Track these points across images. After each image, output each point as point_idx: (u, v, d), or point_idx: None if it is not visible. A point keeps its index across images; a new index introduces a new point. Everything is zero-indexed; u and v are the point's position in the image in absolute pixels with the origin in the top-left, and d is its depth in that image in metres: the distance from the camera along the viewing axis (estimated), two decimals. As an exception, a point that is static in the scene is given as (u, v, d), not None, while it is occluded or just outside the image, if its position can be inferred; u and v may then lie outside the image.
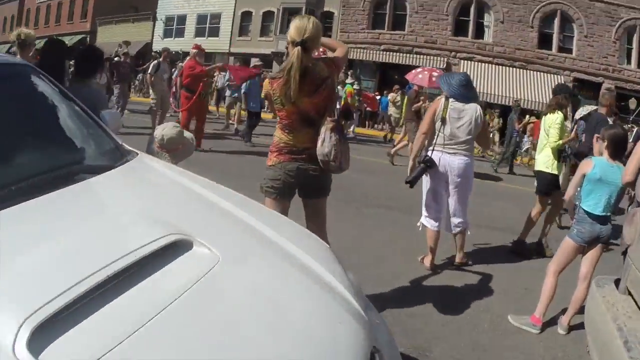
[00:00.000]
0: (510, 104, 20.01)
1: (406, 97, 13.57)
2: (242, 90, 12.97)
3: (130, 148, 2.55)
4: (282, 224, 2.19)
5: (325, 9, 30.49)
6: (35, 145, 2.18)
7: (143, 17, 39.30)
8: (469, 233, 5.02)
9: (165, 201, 2.06)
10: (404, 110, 13.73)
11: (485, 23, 27.56)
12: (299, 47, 2.93)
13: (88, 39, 42.23)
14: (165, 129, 3.44)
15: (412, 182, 4.70)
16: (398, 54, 27.77)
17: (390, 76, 28.55)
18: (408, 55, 27.47)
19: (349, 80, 17.21)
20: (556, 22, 26.57)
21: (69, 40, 41.31)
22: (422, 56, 27.21)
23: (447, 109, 4.66)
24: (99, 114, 2.92)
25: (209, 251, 1.57)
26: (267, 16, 32.72)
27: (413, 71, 14.63)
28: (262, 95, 3.53)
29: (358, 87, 18.28)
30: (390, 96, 17.68)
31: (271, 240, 1.89)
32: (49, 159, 2.15)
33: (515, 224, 6.35)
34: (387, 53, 28.07)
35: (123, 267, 1.35)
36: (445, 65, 26.21)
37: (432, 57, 26.91)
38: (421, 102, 11.41)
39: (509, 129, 14.41)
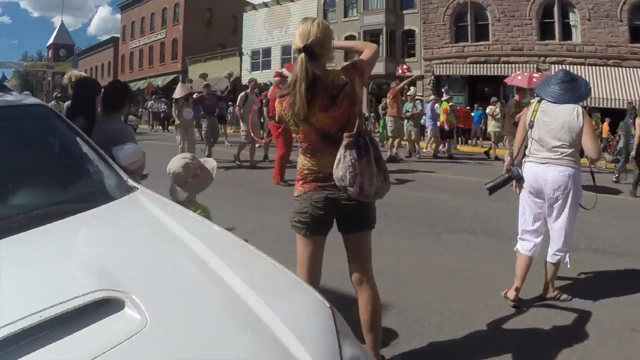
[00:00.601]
0: (609, 105, 19.52)
1: (505, 108, 13.04)
2: None
3: (134, 184, 2.54)
4: (267, 278, 1.86)
5: (406, 27, 31.03)
6: (22, 185, 2.26)
7: (230, 53, 41.47)
8: (567, 263, 4.12)
9: (124, 249, 1.89)
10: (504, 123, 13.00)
11: (571, 23, 26.78)
12: (302, 55, 2.57)
13: (180, 77, 44.89)
14: (172, 163, 3.29)
15: (491, 189, 4.31)
16: (485, 65, 27.56)
17: (479, 89, 28.54)
18: (495, 65, 27.22)
19: (444, 97, 17.06)
20: (647, 11, 25.52)
21: (162, 81, 44.46)
22: (509, 65, 26.78)
23: (536, 112, 4.13)
24: None
25: (139, 315, 1.40)
26: (349, 40, 33.35)
27: (521, 75, 14.28)
28: (276, 118, 3.25)
29: (453, 104, 17.94)
30: (489, 109, 16.72)
31: (233, 304, 1.58)
32: (30, 199, 2.22)
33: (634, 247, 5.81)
34: (474, 65, 27.91)
35: (38, 322, 1.28)
36: (535, 72, 25.70)
37: (520, 65, 26.23)
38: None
39: (625, 134, 12.91)
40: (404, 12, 31.36)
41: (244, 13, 41.53)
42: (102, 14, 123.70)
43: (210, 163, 3.44)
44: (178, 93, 12.38)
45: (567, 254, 4.07)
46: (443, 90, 18.22)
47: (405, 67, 20.85)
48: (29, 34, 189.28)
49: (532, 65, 26.11)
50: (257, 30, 39.65)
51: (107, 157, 2.72)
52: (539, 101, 4.15)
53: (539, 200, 4.10)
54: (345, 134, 2.58)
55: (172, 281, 1.68)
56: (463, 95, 28.83)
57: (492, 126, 16.21)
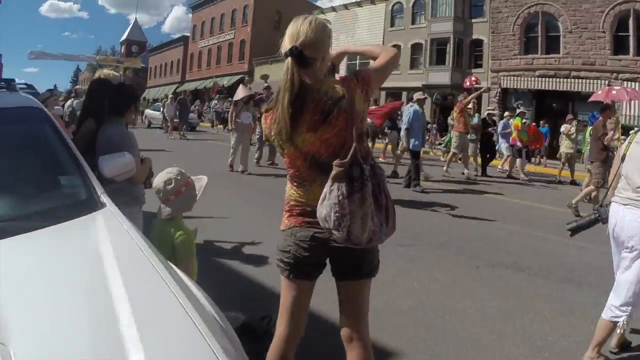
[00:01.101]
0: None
1: (589, 129, 11.84)
2: (404, 126, 11.19)
3: (105, 201, 2.41)
4: (166, 336, 1.56)
5: (474, 36, 30.67)
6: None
7: (295, 57, 41.97)
8: (621, 326, 3.36)
9: (28, 282, 1.75)
10: (585, 146, 11.99)
11: None
12: (289, 59, 2.14)
13: (245, 78, 45.88)
14: (156, 177, 3.08)
15: (573, 230, 3.84)
16: (554, 79, 26.68)
17: (547, 104, 27.78)
18: (565, 80, 26.33)
19: (518, 112, 15.93)
20: None
21: (227, 80, 45.69)
22: (580, 80, 25.91)
23: (630, 144, 3.57)
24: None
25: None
26: (416, 48, 33.54)
27: (601, 90, 13.62)
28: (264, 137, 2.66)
29: (527, 120, 16.70)
30: (565, 128, 15.41)
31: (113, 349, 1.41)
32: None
33: None
34: (542, 79, 27.08)
35: None
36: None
37: (591, 81, 25.47)
38: (613, 134, 9.35)
39: None
40: (473, 20, 30.94)
41: (312, 17, 41.88)
42: (177, 13, 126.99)
43: (200, 181, 3.20)
44: (238, 95, 12.34)
45: (625, 316, 3.34)
46: (515, 104, 17.60)
47: (473, 78, 20.57)
48: (104, 30, 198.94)
49: (604, 82, 25.05)
50: (323, 34, 39.91)
51: (87, 168, 2.60)
52: (637, 132, 3.61)
53: (617, 245, 3.56)
54: (334, 163, 2.10)
55: (68, 327, 1.52)
56: (529, 110, 27.65)
57: (565, 147, 15.01)
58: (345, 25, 37.75)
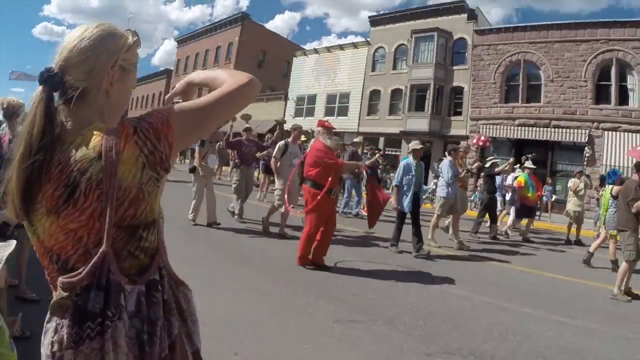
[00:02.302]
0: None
1: (607, 188, 10.18)
2: (394, 182, 9.80)
3: None
4: None
5: (455, 84, 30.16)
6: None
7: (276, 97, 41.56)
8: None
9: None
10: (603, 208, 10.13)
11: (628, 86, 25.36)
12: (41, 88, 1.36)
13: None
14: None
15: None
16: (534, 128, 26.37)
17: (526, 154, 27.05)
18: (545, 129, 26.04)
19: (528, 165, 13.98)
20: None
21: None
22: (560, 129, 25.66)
23: None
24: None
25: None
26: (396, 94, 33.00)
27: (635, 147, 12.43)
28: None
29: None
30: (572, 183, 13.62)
31: None
32: None
33: None
34: (522, 128, 26.74)
35: None
36: (587, 138, 24.56)
37: (572, 130, 25.27)
38: None
39: None
40: (454, 67, 30.47)
41: (294, 58, 41.70)
42: (168, 47, 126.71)
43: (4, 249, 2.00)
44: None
45: None
46: (526, 156, 15.32)
47: (484, 138, 19.50)
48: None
49: (584, 131, 25.05)
50: (305, 76, 39.68)
51: None
52: None
53: None
54: (59, 280, 1.27)
55: None
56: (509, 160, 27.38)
57: (572, 204, 13.42)
58: (327, 68, 37.42)
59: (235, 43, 48.84)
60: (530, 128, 26.50)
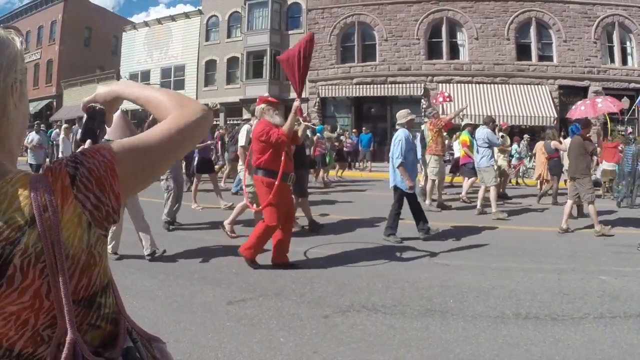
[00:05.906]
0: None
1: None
2: (398, 160, 7.53)
3: None
4: None
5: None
6: None
7: (107, 77, 37.90)
8: None
9: None
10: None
11: (459, 42, 26.67)
12: None
13: (55, 103, 40.99)
14: None
15: None
16: (371, 86, 26.54)
17: (365, 110, 27.91)
18: (382, 86, 26.30)
19: (465, 124, 12.91)
20: (532, 30, 25.73)
21: (34, 107, 40.19)
22: (397, 85, 26.09)
23: None
24: None
25: None
26: (232, 62, 31.53)
27: (582, 104, 12.33)
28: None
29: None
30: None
31: None
32: None
33: None
34: (360, 86, 26.77)
35: None
36: (423, 91, 24.95)
37: (408, 85, 25.85)
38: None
39: (633, 161, 11.73)
40: (290, 32, 29.66)
41: (124, 33, 38.40)
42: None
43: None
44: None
45: None
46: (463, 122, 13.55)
47: (447, 95, 18.19)
48: None
49: (419, 85, 25.67)
50: (136, 51, 36.61)
51: None
52: None
53: None
54: None
55: None
56: (349, 117, 27.75)
57: (501, 160, 12.53)
58: (159, 41, 34.90)
59: (59, 21, 43.53)
60: (368, 86, 26.62)
